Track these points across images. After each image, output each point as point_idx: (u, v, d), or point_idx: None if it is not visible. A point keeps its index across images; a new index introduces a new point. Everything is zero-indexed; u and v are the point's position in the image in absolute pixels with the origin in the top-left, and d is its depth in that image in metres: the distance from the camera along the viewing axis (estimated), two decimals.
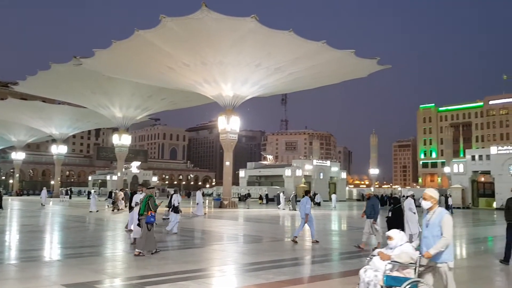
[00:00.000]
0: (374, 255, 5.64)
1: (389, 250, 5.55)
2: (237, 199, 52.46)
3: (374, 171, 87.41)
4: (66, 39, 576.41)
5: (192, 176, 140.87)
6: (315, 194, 47.22)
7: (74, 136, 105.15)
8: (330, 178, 71.16)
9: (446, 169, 66.40)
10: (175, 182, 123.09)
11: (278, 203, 39.15)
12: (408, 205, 12.91)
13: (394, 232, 5.67)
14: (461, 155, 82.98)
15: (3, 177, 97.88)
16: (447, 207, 36.67)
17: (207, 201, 37.24)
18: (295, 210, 33.79)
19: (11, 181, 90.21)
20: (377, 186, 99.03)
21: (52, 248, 13.09)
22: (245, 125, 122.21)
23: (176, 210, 16.55)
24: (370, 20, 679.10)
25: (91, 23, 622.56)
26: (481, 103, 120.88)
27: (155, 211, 11.17)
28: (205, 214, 27.59)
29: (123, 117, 52.41)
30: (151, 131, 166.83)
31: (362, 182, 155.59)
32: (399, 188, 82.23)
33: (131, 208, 15.09)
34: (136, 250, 10.81)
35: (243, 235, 17.16)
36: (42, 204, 37.01)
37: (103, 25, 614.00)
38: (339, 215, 31.32)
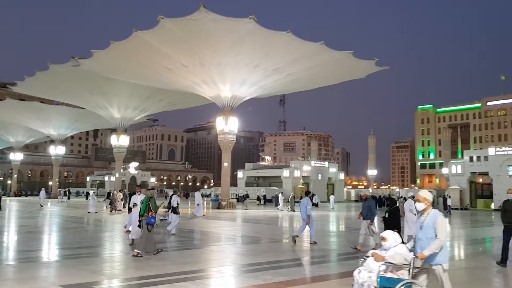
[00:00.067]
0: (368, 256, 5.66)
1: (383, 251, 5.58)
2: (235, 200, 52.49)
3: (372, 172, 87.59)
4: (65, 39, 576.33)
5: (190, 177, 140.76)
6: (313, 195, 47.22)
7: (72, 137, 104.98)
8: (328, 179, 71.17)
9: (444, 170, 66.44)
10: (173, 183, 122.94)
11: (277, 204, 39.21)
12: (408, 206, 13.01)
13: (388, 233, 5.69)
14: (459, 156, 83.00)
15: (1, 178, 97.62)
16: (446, 208, 36.81)
17: (205, 202, 37.21)
18: (294, 211, 33.85)
19: (9, 182, 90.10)
20: (375, 187, 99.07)
21: (50, 249, 13.11)
22: (243, 126, 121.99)
23: (175, 211, 16.60)
24: (370, 20, 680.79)
25: (91, 23, 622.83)
26: (479, 104, 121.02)
27: (156, 212, 11.23)
28: (203, 215, 27.63)
29: (121, 118, 52.40)
30: (149, 132, 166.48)
31: (360, 183, 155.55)
32: (397, 189, 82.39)
33: (130, 209, 15.11)
34: (135, 250, 10.84)
35: (241, 236, 17.21)
36: (40, 205, 36.99)
37: (103, 25, 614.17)
38: (337, 216, 31.34)
